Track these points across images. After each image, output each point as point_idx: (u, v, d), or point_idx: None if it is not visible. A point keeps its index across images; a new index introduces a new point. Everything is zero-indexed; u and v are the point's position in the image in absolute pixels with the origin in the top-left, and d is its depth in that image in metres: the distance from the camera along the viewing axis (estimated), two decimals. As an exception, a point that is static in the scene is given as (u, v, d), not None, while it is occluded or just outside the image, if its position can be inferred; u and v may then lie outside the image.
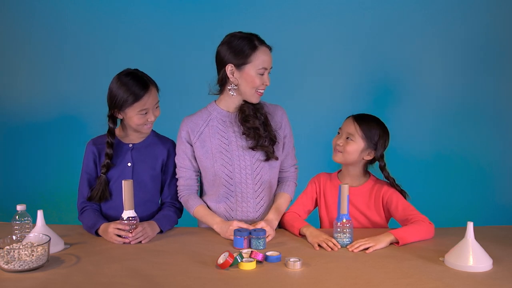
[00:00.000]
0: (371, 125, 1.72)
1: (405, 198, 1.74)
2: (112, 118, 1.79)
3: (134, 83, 1.71)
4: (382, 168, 1.75)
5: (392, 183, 1.75)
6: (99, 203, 1.83)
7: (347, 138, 1.73)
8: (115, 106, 1.73)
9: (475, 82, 2.71)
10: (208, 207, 1.81)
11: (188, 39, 2.72)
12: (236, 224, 1.64)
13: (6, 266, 1.36)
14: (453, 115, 2.74)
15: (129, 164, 1.81)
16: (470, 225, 1.42)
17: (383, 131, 1.74)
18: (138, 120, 1.74)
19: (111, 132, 1.80)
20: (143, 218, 1.75)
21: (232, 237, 1.60)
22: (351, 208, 1.76)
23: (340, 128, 1.78)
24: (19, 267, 1.35)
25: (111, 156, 1.79)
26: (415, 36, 2.70)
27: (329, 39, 2.73)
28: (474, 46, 2.68)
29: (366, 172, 1.81)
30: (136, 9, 2.75)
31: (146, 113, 1.74)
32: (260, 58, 1.66)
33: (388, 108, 2.70)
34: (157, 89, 1.79)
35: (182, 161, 1.80)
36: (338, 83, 2.78)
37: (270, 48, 1.70)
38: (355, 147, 1.72)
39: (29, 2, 2.74)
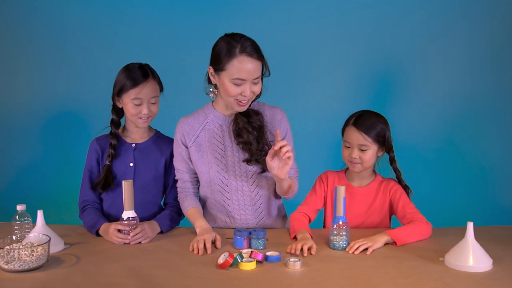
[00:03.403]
0: (376, 127, 1.70)
1: (408, 194, 1.76)
2: (115, 110, 1.82)
3: (137, 71, 1.75)
4: (392, 160, 1.76)
5: (399, 177, 1.77)
6: (100, 202, 1.84)
7: (360, 149, 1.70)
8: (116, 91, 1.76)
9: (476, 82, 2.71)
10: (208, 213, 1.82)
11: (188, 39, 2.72)
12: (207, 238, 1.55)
13: (6, 266, 1.36)
14: (453, 115, 2.74)
15: (131, 164, 1.81)
16: (470, 225, 1.42)
17: (385, 124, 1.73)
18: (132, 109, 1.75)
19: (114, 122, 1.82)
20: (144, 219, 1.76)
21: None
22: (358, 208, 1.77)
23: (346, 141, 1.73)
24: (19, 267, 1.35)
25: (115, 147, 1.80)
26: (417, 35, 2.70)
27: (331, 38, 2.73)
28: (478, 44, 2.67)
29: (373, 170, 1.81)
30: (136, 9, 2.74)
31: (140, 104, 1.74)
32: (235, 68, 1.56)
33: (390, 107, 2.69)
34: (160, 87, 1.82)
35: (179, 163, 1.79)
36: (340, 82, 2.78)
37: (258, 58, 1.58)
38: (371, 153, 1.71)
39: (29, 2, 2.74)
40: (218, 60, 1.60)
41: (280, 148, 1.52)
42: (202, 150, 1.73)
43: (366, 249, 1.52)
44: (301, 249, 1.49)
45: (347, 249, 1.53)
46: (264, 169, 1.71)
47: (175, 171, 1.82)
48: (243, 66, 1.56)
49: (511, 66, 2.68)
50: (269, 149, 1.69)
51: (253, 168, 1.72)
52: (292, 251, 1.49)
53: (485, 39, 2.67)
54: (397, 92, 2.76)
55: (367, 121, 1.71)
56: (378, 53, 2.73)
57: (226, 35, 1.63)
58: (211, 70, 1.64)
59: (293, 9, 2.72)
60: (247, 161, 1.70)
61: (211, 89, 1.70)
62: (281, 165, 1.58)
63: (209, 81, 1.70)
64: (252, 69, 1.57)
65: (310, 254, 1.49)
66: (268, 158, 1.58)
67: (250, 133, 1.68)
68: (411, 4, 2.67)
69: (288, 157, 1.54)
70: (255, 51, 1.58)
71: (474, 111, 2.72)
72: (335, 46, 2.73)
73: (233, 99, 1.62)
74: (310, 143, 2.64)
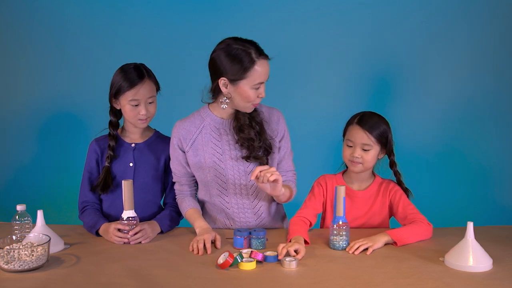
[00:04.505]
0: (380, 127, 1.69)
1: (408, 196, 1.76)
2: (113, 111, 1.81)
3: (132, 72, 1.74)
4: (392, 163, 1.75)
5: (398, 179, 1.76)
6: (99, 203, 1.84)
7: (363, 149, 1.69)
8: (112, 93, 1.76)
9: (476, 82, 2.70)
10: (208, 215, 1.81)
11: (188, 39, 2.72)
12: (207, 238, 1.56)
13: (6, 266, 1.36)
14: (453, 115, 2.73)
15: (130, 164, 1.81)
16: (470, 225, 1.42)
17: (387, 126, 1.73)
18: (129, 111, 1.75)
19: (112, 124, 1.82)
20: (144, 219, 1.76)
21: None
22: (358, 211, 1.76)
23: (348, 139, 1.72)
24: (19, 267, 1.35)
25: (114, 148, 1.80)
26: (417, 35, 2.69)
27: (331, 38, 2.72)
28: (478, 44, 2.67)
29: (372, 172, 1.81)
30: (136, 9, 2.74)
31: (137, 105, 1.74)
32: (256, 73, 1.56)
33: (389, 107, 2.69)
34: (156, 87, 1.81)
35: (176, 166, 1.78)
36: (340, 82, 2.78)
37: (268, 58, 1.60)
38: (373, 153, 1.70)
39: (29, 2, 2.74)
40: (236, 71, 1.56)
41: (264, 174, 1.51)
42: (199, 155, 1.72)
43: (366, 249, 1.52)
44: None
45: (347, 249, 1.53)
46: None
47: (173, 174, 1.81)
48: (264, 69, 1.58)
49: (511, 66, 2.67)
50: (268, 147, 1.69)
51: (252, 167, 1.71)
52: (280, 257, 1.44)
53: (485, 39, 2.67)
54: (397, 92, 2.76)
55: (371, 120, 1.71)
56: (378, 53, 2.73)
57: (227, 42, 1.59)
58: (224, 81, 1.59)
59: (293, 9, 2.72)
60: (246, 158, 1.69)
61: (221, 100, 1.65)
62: (272, 185, 1.58)
63: (214, 91, 1.67)
64: (268, 69, 1.60)
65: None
66: (258, 183, 1.56)
67: (253, 128, 1.67)
68: (411, 4, 2.67)
69: (275, 180, 1.53)
70: (263, 50, 1.60)
71: (474, 111, 2.72)
72: (335, 46, 2.73)
73: (251, 103, 1.62)
74: (310, 143, 2.64)
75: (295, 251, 1.46)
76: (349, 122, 1.76)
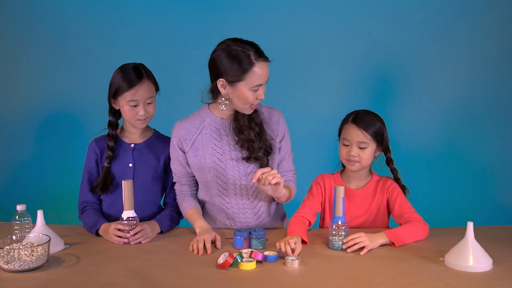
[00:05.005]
0: (375, 125, 1.70)
1: (405, 193, 1.76)
2: (112, 111, 1.81)
3: (131, 72, 1.73)
4: (389, 160, 1.75)
5: (396, 176, 1.77)
6: (99, 203, 1.84)
7: (360, 147, 1.70)
8: (111, 93, 1.75)
9: (476, 82, 2.70)
10: (208, 215, 1.81)
11: (188, 39, 2.72)
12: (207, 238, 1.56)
13: (6, 266, 1.36)
14: (453, 115, 2.73)
15: (130, 165, 1.81)
16: (470, 225, 1.42)
17: (382, 123, 1.73)
18: (128, 112, 1.75)
19: (111, 124, 1.82)
20: (144, 219, 1.76)
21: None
22: (357, 210, 1.76)
23: (343, 138, 1.72)
24: (19, 267, 1.35)
25: (113, 148, 1.80)
26: (417, 35, 2.69)
27: (331, 38, 2.72)
28: (478, 44, 2.67)
29: (370, 170, 1.81)
30: (136, 9, 2.74)
31: (136, 106, 1.74)
32: (255, 75, 1.55)
33: (389, 107, 2.69)
34: (156, 87, 1.81)
35: (176, 167, 1.78)
36: (340, 82, 2.78)
37: (268, 60, 1.59)
38: (370, 151, 1.70)
39: (29, 2, 2.74)
40: (234, 72, 1.55)
41: (266, 177, 1.52)
42: (199, 155, 1.72)
43: (362, 248, 1.52)
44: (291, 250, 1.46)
45: (344, 240, 1.53)
46: (262, 167, 1.70)
47: (173, 174, 1.81)
48: (263, 71, 1.57)
49: (511, 66, 2.68)
50: (268, 148, 1.69)
51: (253, 167, 1.71)
52: (287, 254, 1.45)
53: (485, 39, 2.67)
54: (397, 92, 2.76)
55: (365, 118, 1.71)
56: (378, 53, 2.73)
57: (226, 43, 1.59)
58: (223, 82, 1.59)
59: (293, 9, 2.72)
60: (247, 159, 1.69)
61: (220, 101, 1.66)
62: (274, 188, 1.59)
63: (213, 91, 1.67)
64: (268, 71, 1.59)
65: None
66: (260, 185, 1.58)
67: (252, 129, 1.67)
68: (411, 4, 2.67)
69: (276, 183, 1.55)
70: (263, 52, 1.59)
71: (474, 111, 2.72)
72: (335, 46, 2.73)
73: (249, 105, 1.62)
74: (310, 143, 2.64)
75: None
76: (344, 121, 1.76)
